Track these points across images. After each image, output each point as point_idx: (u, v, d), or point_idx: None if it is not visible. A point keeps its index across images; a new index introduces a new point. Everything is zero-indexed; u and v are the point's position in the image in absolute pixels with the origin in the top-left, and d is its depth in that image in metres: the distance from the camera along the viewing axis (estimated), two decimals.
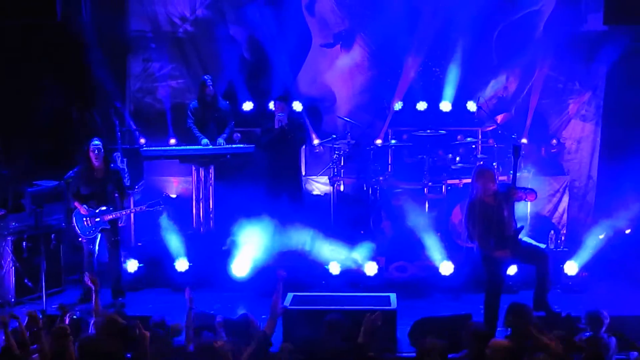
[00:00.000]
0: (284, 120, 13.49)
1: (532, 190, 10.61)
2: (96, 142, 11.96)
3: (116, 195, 12.05)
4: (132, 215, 13.11)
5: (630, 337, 9.00)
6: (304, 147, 14.89)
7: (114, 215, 11.92)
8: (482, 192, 10.28)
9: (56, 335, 8.26)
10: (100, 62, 14.73)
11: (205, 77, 14.03)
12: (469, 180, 11.05)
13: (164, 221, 13.06)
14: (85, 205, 11.82)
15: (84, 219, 11.88)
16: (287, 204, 13.47)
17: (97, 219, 11.85)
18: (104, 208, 11.89)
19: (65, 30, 14.42)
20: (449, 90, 15.10)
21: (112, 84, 14.90)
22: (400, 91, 15.20)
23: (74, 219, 11.99)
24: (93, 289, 9.62)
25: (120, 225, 12.31)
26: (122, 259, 12.30)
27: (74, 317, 9.53)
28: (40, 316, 8.83)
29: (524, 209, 13.38)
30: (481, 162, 13.87)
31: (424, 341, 8.31)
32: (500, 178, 13.29)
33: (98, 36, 14.82)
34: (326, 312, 9.49)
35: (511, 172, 10.38)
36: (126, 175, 13.13)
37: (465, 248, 13.21)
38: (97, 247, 12.13)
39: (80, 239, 12.10)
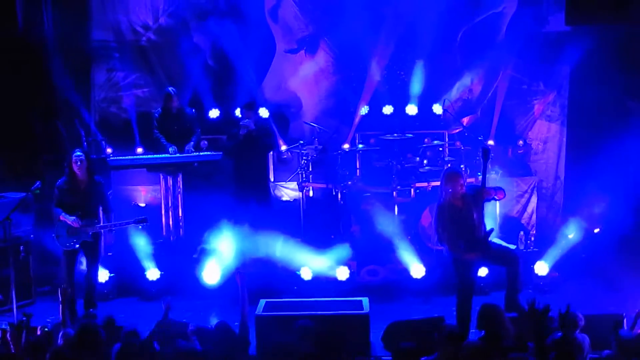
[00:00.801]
0: (249, 126, 13.44)
1: (500, 188, 10.65)
2: (78, 153, 11.73)
3: (100, 208, 11.88)
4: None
5: (602, 336, 9.03)
6: (271, 153, 14.87)
7: (98, 229, 11.72)
8: (451, 195, 10.31)
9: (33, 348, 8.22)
10: (63, 72, 14.62)
11: (169, 89, 13.90)
12: (438, 183, 11.11)
13: (133, 230, 12.98)
14: (74, 218, 11.66)
15: (67, 230, 11.72)
16: (256, 210, 13.42)
17: (80, 232, 11.69)
18: (89, 220, 11.73)
19: (26, 40, 14.31)
20: (415, 93, 15.13)
21: (76, 94, 14.79)
22: (366, 95, 15.21)
23: (56, 230, 11.83)
24: (60, 300, 9.53)
25: (104, 242, 12.06)
26: (98, 272, 12.14)
27: (46, 329, 9.45)
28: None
29: (492, 210, 13.44)
30: (449, 165, 13.92)
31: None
32: (469, 180, 13.36)
33: (61, 46, 14.73)
34: (298, 317, 9.48)
35: (479, 174, 10.42)
36: None
37: (436, 251, 13.23)
38: (77, 260, 11.97)
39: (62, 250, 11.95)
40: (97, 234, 11.77)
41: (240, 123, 13.53)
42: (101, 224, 11.81)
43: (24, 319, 8.96)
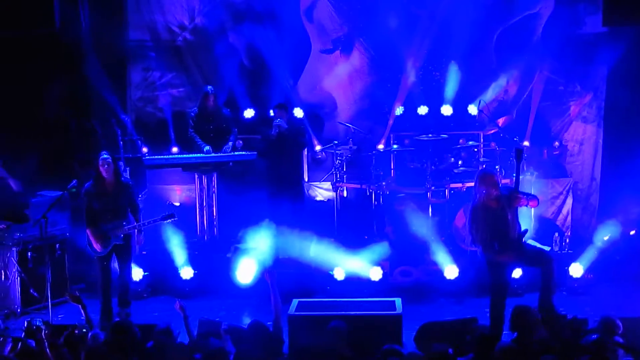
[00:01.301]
0: (282, 126, 13.48)
1: (534, 196, 10.57)
2: (105, 156, 11.71)
3: (128, 208, 11.84)
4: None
5: (637, 339, 8.97)
6: (305, 152, 14.91)
7: (127, 230, 11.75)
8: (485, 196, 10.27)
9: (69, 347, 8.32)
10: (99, 71, 14.73)
11: (207, 88, 13.93)
12: (472, 184, 11.11)
13: (168, 229, 13.04)
14: (98, 241, 11.65)
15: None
16: (289, 210, 13.45)
17: (110, 238, 11.74)
18: (118, 223, 11.73)
19: (64, 40, 14.43)
20: (450, 94, 15.09)
21: (112, 94, 14.89)
22: (400, 96, 15.20)
23: (87, 239, 11.86)
24: (80, 306, 9.59)
25: (134, 242, 12.01)
26: (131, 271, 12.17)
27: (83, 330, 9.49)
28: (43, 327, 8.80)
29: (527, 211, 13.33)
30: (484, 166, 13.86)
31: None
32: (503, 181, 13.30)
33: (97, 45, 14.85)
34: (331, 317, 9.50)
35: (514, 175, 10.37)
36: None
37: (470, 252, 13.20)
38: (111, 262, 11.96)
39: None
40: (128, 234, 11.81)
41: (273, 123, 13.57)
42: (129, 224, 11.79)
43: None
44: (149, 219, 11.97)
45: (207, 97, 13.80)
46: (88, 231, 11.66)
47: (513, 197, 10.19)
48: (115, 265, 12.07)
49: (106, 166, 11.63)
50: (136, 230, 11.80)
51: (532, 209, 13.38)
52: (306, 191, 14.86)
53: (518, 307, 8.96)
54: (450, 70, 15.16)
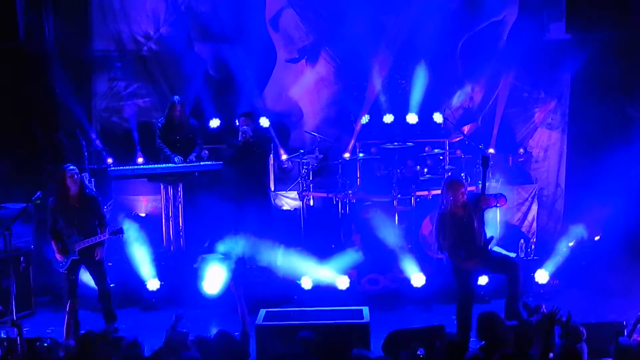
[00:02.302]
0: (247, 133, 13.44)
1: (502, 195, 10.65)
2: (71, 167, 11.56)
3: (95, 222, 11.68)
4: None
5: (601, 344, 9.01)
6: (272, 161, 14.91)
7: (81, 246, 11.55)
8: (452, 203, 10.31)
9: None
10: (64, 82, 14.65)
11: (174, 98, 13.88)
12: (438, 192, 11.21)
13: (134, 240, 12.98)
14: (57, 249, 11.48)
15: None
16: (255, 219, 13.41)
17: (69, 252, 11.56)
18: (76, 238, 11.53)
19: (28, 51, 14.35)
20: (415, 102, 15.12)
21: (77, 104, 14.81)
22: (366, 104, 15.23)
23: (51, 254, 11.72)
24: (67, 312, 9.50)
25: (97, 254, 11.75)
26: (108, 282, 11.93)
27: (45, 344, 9.41)
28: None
29: (493, 218, 13.43)
30: (449, 174, 13.92)
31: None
32: (469, 188, 13.34)
33: (62, 56, 14.77)
34: (299, 327, 9.47)
35: (480, 182, 10.41)
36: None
37: (436, 259, 13.24)
38: (78, 277, 11.78)
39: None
40: (92, 249, 11.59)
41: (239, 130, 13.55)
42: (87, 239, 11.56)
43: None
44: (94, 236, 11.69)
45: (174, 107, 13.76)
46: (52, 243, 11.57)
47: (482, 199, 10.24)
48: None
49: (75, 177, 11.46)
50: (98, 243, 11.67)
51: (498, 215, 13.50)
52: (273, 200, 14.84)
53: (484, 313, 8.98)
54: (416, 77, 15.20)
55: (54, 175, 13.51)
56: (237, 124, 14.01)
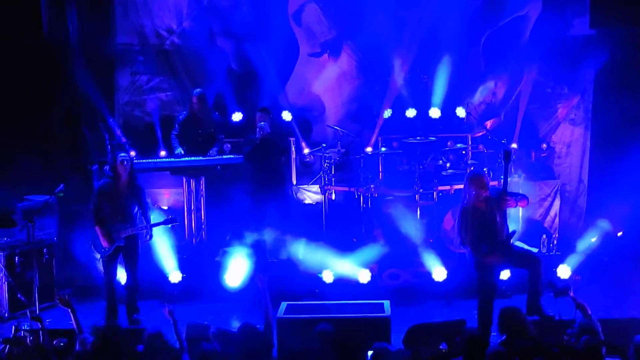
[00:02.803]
0: (265, 130, 13.44)
1: (524, 196, 10.59)
2: (123, 154, 11.78)
3: (139, 211, 11.79)
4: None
5: (620, 340, 8.97)
6: (293, 155, 14.93)
7: (129, 233, 11.69)
8: (475, 198, 10.28)
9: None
10: (87, 76, 14.70)
11: (196, 91, 13.94)
12: (460, 187, 11.24)
13: (156, 233, 13.01)
14: (104, 237, 11.58)
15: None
16: (275, 213, 13.43)
17: (114, 240, 11.67)
18: (124, 225, 11.67)
19: (52, 46, 14.41)
20: (438, 97, 15.10)
21: (100, 98, 14.86)
22: (389, 99, 15.20)
23: (91, 237, 11.82)
24: (69, 310, 9.52)
25: (141, 243, 11.95)
26: (137, 276, 11.99)
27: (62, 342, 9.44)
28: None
29: (515, 213, 13.38)
30: (472, 168, 13.88)
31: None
32: (491, 183, 13.31)
33: (85, 50, 14.83)
34: (320, 320, 9.47)
35: (502, 177, 10.39)
36: None
37: (458, 254, 13.21)
38: (116, 264, 11.89)
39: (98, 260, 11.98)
40: (135, 238, 11.75)
41: (257, 126, 13.57)
42: (135, 227, 11.71)
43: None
44: (151, 223, 11.88)
45: (195, 101, 13.79)
46: (96, 229, 11.61)
47: (502, 199, 10.21)
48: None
49: (125, 163, 11.60)
50: (143, 232, 11.76)
51: (521, 210, 13.46)
52: (295, 194, 14.87)
53: (506, 308, 8.96)
54: (439, 72, 15.17)
55: (77, 168, 13.71)
56: (256, 118, 13.99)
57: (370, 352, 8.63)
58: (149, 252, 12.95)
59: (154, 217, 12.13)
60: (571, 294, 9.04)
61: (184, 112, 13.97)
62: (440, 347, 9.05)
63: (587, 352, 8.08)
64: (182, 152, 13.64)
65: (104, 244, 11.58)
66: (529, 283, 10.37)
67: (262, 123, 13.51)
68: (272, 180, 13.62)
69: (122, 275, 12.45)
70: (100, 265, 12.11)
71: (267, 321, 9.40)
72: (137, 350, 8.81)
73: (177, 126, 13.88)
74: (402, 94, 15.23)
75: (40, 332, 9.10)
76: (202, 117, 13.86)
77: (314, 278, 12.89)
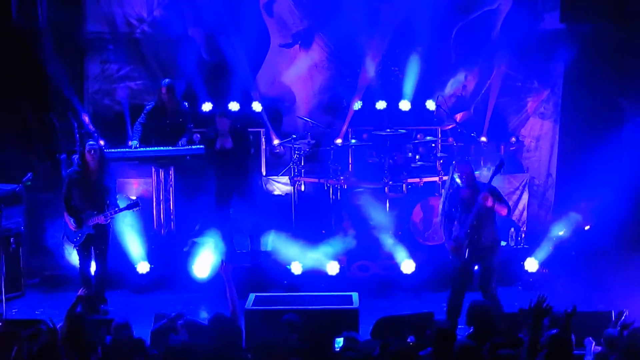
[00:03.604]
0: (225, 146, 13.23)
1: (506, 204, 10.77)
2: (92, 142, 11.80)
3: (107, 199, 11.79)
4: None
5: (589, 333, 9.03)
6: (263, 146, 14.96)
7: (96, 219, 11.66)
8: (465, 182, 10.57)
9: None
10: (56, 63, 14.59)
11: (165, 81, 13.85)
12: (430, 179, 11.32)
13: (124, 223, 12.96)
14: (73, 220, 11.61)
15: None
16: (242, 205, 13.39)
17: (83, 227, 11.65)
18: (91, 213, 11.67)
19: (20, 31, 14.28)
20: (408, 89, 15.13)
21: (69, 86, 14.75)
22: (359, 90, 15.20)
23: (64, 229, 11.82)
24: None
25: (110, 232, 12.00)
26: (106, 266, 11.99)
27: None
28: None
29: None
30: (441, 161, 13.95)
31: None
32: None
33: (54, 37, 14.69)
34: (288, 312, 9.47)
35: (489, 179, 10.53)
36: None
37: (427, 246, 13.29)
38: (91, 261, 11.88)
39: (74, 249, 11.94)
40: (104, 227, 11.72)
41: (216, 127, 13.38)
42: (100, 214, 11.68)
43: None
44: (114, 208, 11.85)
45: (165, 91, 13.71)
46: (65, 215, 11.62)
47: (483, 195, 10.32)
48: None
49: (92, 152, 11.62)
50: (108, 219, 11.73)
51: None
52: (264, 185, 14.84)
53: (475, 302, 9.00)
54: (409, 65, 15.19)
55: (45, 156, 13.60)
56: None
57: (339, 339, 8.65)
58: (116, 242, 12.89)
59: (120, 203, 12.08)
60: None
61: (152, 102, 13.88)
62: (409, 340, 9.04)
63: (555, 346, 8.10)
64: (137, 145, 13.52)
65: (72, 228, 11.58)
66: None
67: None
68: (238, 173, 13.43)
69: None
70: (70, 256, 12.04)
71: (233, 311, 9.36)
72: (105, 342, 8.76)
73: (143, 115, 13.79)
74: (373, 86, 15.23)
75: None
76: (170, 107, 13.77)
77: (283, 269, 12.88)
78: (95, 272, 11.83)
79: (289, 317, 9.05)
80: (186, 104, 14.20)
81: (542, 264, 12.90)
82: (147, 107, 13.85)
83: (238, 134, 13.28)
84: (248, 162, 13.60)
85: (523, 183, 14.68)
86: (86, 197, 11.66)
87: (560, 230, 13.44)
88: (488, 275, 10.66)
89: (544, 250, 13.06)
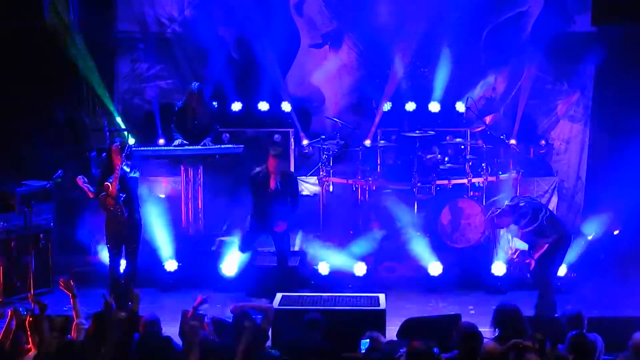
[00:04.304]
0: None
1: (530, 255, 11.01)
2: (118, 142, 11.68)
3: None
4: None
5: (618, 338, 8.98)
6: (292, 146, 14.97)
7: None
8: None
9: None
10: (88, 63, 14.68)
11: (192, 86, 13.81)
12: (459, 181, 11.14)
13: (153, 221, 13.01)
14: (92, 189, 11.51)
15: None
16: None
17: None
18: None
19: (52, 30, 14.38)
20: (438, 91, 15.10)
21: (100, 85, 14.84)
22: (388, 91, 15.19)
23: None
24: (69, 295, 9.48)
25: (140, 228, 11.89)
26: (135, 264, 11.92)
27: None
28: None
29: None
30: (470, 163, 13.90)
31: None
32: (489, 179, 13.41)
33: (85, 37, 14.78)
34: (314, 312, 9.47)
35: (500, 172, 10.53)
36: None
37: (454, 248, 13.26)
38: (120, 259, 11.82)
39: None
40: (136, 226, 11.71)
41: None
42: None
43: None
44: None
45: (191, 96, 13.67)
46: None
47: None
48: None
49: (118, 150, 11.47)
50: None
51: None
52: None
53: (502, 306, 8.96)
54: (439, 66, 15.16)
55: (75, 154, 13.68)
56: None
57: (365, 341, 8.65)
58: (145, 240, 12.94)
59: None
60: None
61: (180, 103, 13.86)
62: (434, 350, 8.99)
63: (574, 347, 8.10)
64: (181, 141, 13.53)
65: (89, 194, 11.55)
66: None
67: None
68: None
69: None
70: (100, 253, 12.08)
71: (266, 314, 9.35)
72: (133, 338, 8.79)
73: (174, 118, 13.81)
74: (402, 87, 15.22)
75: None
76: (199, 109, 13.76)
77: (310, 270, 12.89)
78: (124, 269, 11.83)
79: (311, 316, 9.04)
80: (215, 103, 14.23)
81: (571, 268, 12.82)
82: (175, 107, 13.83)
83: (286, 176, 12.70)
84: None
85: (552, 186, 14.62)
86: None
87: (589, 234, 13.37)
88: None
89: (573, 254, 12.97)
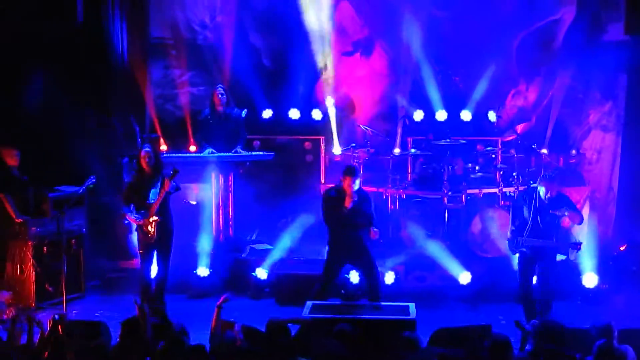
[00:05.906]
0: None
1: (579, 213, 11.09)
2: (147, 149, 11.68)
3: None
4: None
5: None
6: (322, 154, 14.98)
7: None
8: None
9: None
10: (120, 68, 14.76)
11: (218, 88, 13.90)
12: (489, 190, 11.01)
13: (185, 228, 13.05)
14: (137, 216, 11.55)
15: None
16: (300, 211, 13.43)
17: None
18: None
19: (86, 35, 14.44)
20: (469, 100, 15.07)
21: (132, 91, 14.91)
22: (419, 100, 15.18)
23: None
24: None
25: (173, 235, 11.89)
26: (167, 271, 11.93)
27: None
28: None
29: None
30: (501, 172, 13.86)
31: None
32: (520, 188, 13.35)
33: (118, 42, 14.85)
34: (344, 320, 9.47)
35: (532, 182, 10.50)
36: None
37: (484, 258, 13.21)
38: (151, 265, 11.78)
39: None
40: (169, 231, 11.74)
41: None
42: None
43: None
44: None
45: (217, 98, 13.73)
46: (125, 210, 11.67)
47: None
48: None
49: (147, 159, 11.54)
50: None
51: None
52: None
53: (548, 320, 8.93)
54: (471, 75, 15.14)
55: (107, 159, 13.74)
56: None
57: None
58: (176, 246, 12.99)
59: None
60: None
61: (206, 109, 13.89)
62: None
63: (601, 356, 8.08)
64: (212, 150, 13.56)
65: (134, 221, 11.59)
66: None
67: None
68: (299, 178, 13.51)
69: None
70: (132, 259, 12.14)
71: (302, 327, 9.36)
72: (159, 346, 8.82)
73: (199, 125, 13.87)
74: (433, 96, 15.19)
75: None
76: (223, 112, 13.78)
77: (340, 278, 12.88)
78: (156, 276, 11.84)
79: (341, 327, 9.03)
80: (245, 110, 14.23)
81: (602, 279, 12.75)
82: (202, 114, 13.87)
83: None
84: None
85: (584, 196, 14.53)
86: (142, 202, 11.59)
87: (620, 245, 13.29)
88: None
89: (604, 265, 12.91)
